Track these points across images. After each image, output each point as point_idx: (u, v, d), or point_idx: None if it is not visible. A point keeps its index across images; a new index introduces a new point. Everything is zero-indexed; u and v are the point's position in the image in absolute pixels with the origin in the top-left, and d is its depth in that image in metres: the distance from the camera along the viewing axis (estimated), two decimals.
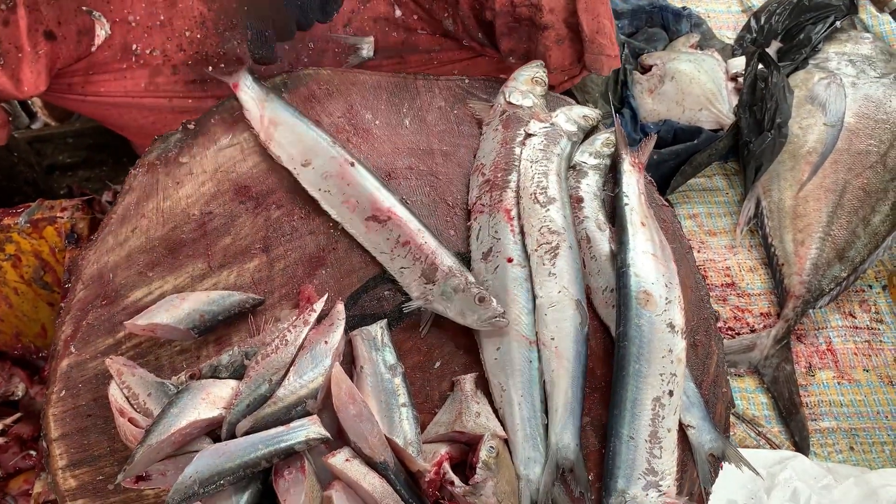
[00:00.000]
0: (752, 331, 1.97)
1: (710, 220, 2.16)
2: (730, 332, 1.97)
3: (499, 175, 1.32)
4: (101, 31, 1.47)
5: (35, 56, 1.40)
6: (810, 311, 1.98)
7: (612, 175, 1.38)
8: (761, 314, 2.00)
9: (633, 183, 1.32)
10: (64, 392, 1.16)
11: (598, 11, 1.53)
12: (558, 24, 1.54)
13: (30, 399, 1.75)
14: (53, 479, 1.11)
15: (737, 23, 2.54)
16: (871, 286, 2.06)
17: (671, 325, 1.15)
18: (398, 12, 1.62)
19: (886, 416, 1.85)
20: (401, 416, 1.09)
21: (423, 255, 1.21)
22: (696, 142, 2.11)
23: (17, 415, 1.68)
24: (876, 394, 1.89)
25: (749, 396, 1.88)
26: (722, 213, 2.18)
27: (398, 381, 1.13)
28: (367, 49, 1.61)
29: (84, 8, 1.44)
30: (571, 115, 1.40)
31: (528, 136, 1.36)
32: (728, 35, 2.50)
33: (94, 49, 1.49)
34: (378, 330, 1.17)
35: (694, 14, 2.48)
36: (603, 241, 1.27)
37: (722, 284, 2.05)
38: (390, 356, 1.15)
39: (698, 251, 2.09)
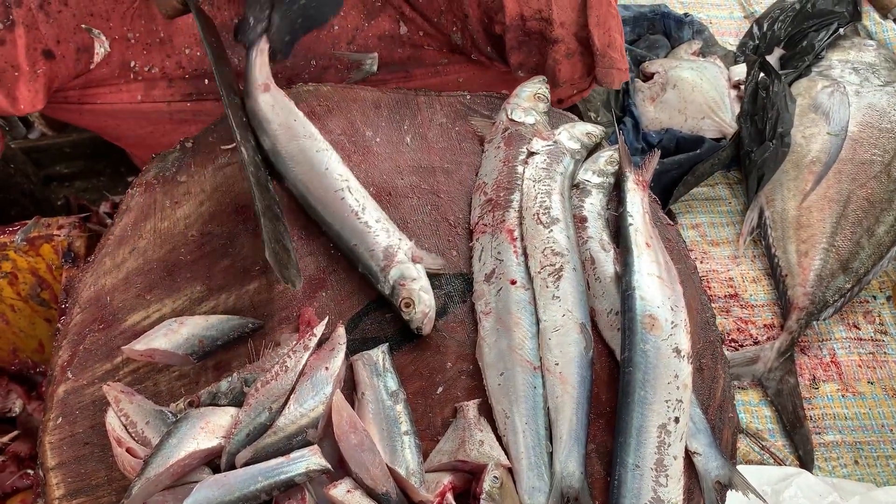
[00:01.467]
0: (756, 343, 1.96)
1: (713, 230, 2.15)
2: (733, 345, 1.96)
3: (501, 194, 1.30)
4: (101, 49, 1.45)
5: (33, 75, 1.39)
6: (814, 322, 1.96)
7: (616, 193, 1.36)
8: (764, 325, 1.99)
9: (637, 202, 1.30)
10: (61, 419, 1.14)
11: (609, 25, 1.52)
12: (568, 38, 1.53)
13: (27, 416, 1.73)
14: None
15: (739, 29, 2.52)
16: (875, 297, 2.04)
17: (677, 350, 1.13)
18: (403, 29, 1.60)
19: (891, 430, 1.84)
20: (403, 444, 1.07)
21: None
22: (698, 151, 2.10)
23: (15, 433, 1.66)
24: (881, 406, 1.87)
25: (752, 409, 1.87)
26: (725, 222, 2.16)
27: (400, 407, 1.11)
28: (370, 63, 1.60)
29: (83, 26, 1.42)
30: (574, 133, 1.38)
31: (531, 154, 1.34)
32: (730, 42, 2.48)
33: (92, 66, 1.47)
34: (380, 355, 1.15)
35: (696, 21, 2.46)
36: (607, 263, 1.25)
37: (725, 295, 2.04)
38: (392, 382, 1.13)
39: (701, 262, 2.08)
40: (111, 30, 1.46)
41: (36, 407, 1.74)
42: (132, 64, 1.48)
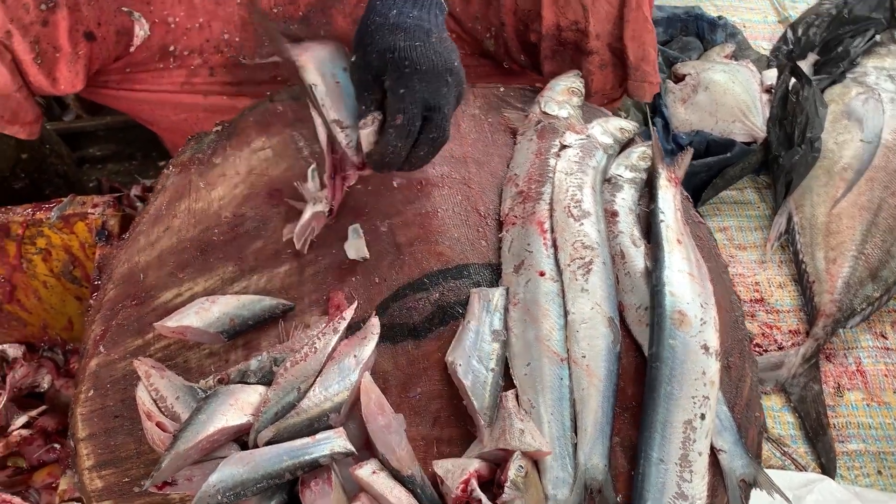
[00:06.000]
0: (780, 348, 1.94)
1: (741, 233, 2.13)
2: (757, 349, 1.94)
3: (532, 187, 1.31)
4: (140, 32, 1.47)
5: (75, 56, 1.41)
6: (840, 330, 1.94)
7: (648, 189, 1.36)
8: (790, 331, 1.97)
9: (669, 198, 1.30)
10: (92, 392, 1.16)
11: (644, 40, 1.52)
12: (603, 50, 1.54)
13: (55, 391, 1.76)
14: (80, 478, 1.11)
15: (773, 34, 2.51)
16: None
17: (705, 347, 1.13)
18: None
19: None
20: (487, 380, 1.10)
21: None
22: (728, 154, 2.09)
23: (43, 407, 1.69)
24: None
25: (775, 415, 1.86)
26: (753, 227, 2.15)
27: (496, 346, 1.14)
28: None
29: (124, 8, 1.44)
30: (608, 128, 1.39)
31: (563, 147, 1.35)
32: (764, 46, 2.47)
33: (132, 49, 1.49)
34: (497, 294, 1.19)
35: (729, 24, 2.45)
36: (637, 258, 1.25)
37: (751, 300, 2.02)
38: (497, 322, 1.16)
39: (728, 265, 2.06)
40: (151, 13, 1.47)
41: (64, 383, 1.76)
42: (172, 48, 1.50)
